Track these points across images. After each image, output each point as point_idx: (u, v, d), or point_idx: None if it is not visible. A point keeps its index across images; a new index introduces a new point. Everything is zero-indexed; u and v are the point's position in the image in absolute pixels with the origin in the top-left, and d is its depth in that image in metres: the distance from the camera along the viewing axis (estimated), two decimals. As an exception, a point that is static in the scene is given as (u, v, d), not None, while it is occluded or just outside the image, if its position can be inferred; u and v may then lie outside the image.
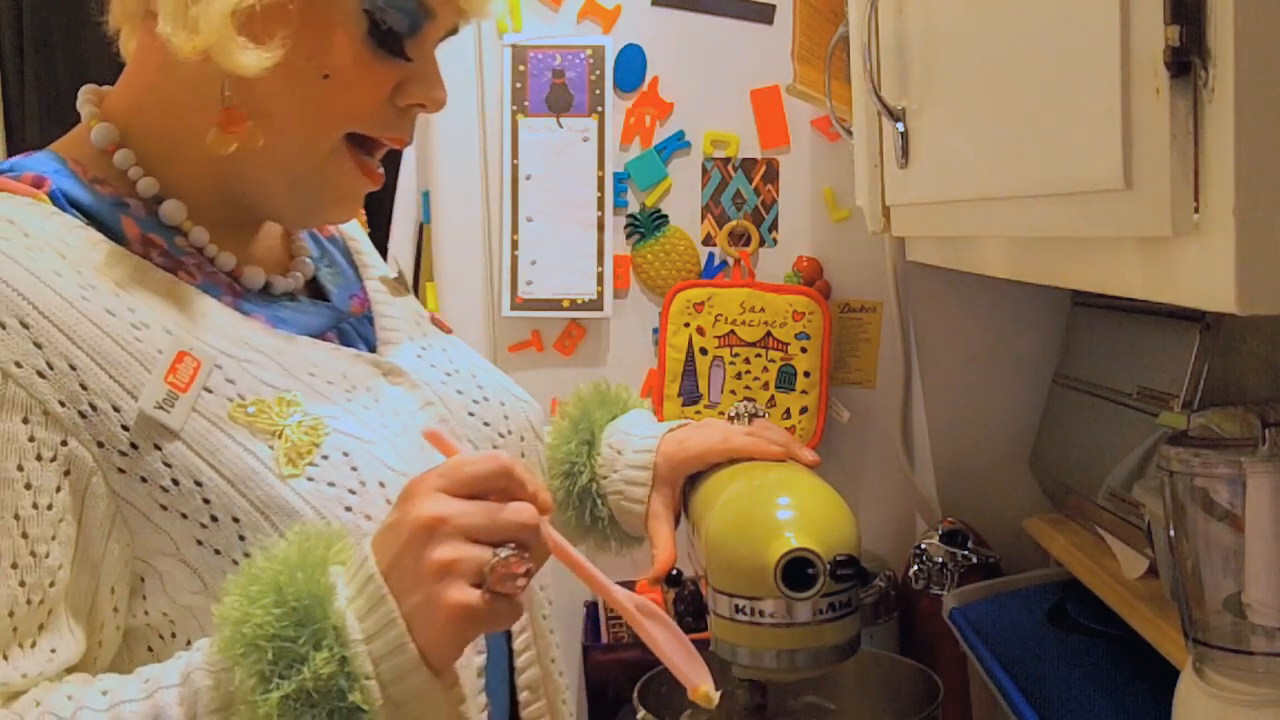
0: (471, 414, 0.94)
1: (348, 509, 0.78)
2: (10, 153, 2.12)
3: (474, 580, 0.69)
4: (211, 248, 0.85)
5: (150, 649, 0.78)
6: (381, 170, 0.88)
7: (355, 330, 0.92)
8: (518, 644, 0.93)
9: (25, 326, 0.71)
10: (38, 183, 0.79)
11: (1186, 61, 0.56)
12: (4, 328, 0.71)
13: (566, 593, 1.41)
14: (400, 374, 0.90)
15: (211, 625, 0.71)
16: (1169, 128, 0.57)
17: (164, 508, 0.74)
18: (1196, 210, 0.57)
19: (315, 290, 0.94)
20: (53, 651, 0.72)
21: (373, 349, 0.92)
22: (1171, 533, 0.84)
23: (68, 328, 0.73)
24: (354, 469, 0.79)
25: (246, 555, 0.74)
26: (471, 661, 0.85)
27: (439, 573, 0.68)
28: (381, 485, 0.80)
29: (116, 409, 0.73)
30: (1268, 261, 0.54)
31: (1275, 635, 0.77)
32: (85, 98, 0.86)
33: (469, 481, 0.71)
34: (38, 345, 0.72)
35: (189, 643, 0.75)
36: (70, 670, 0.74)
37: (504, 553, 0.69)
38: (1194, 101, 0.56)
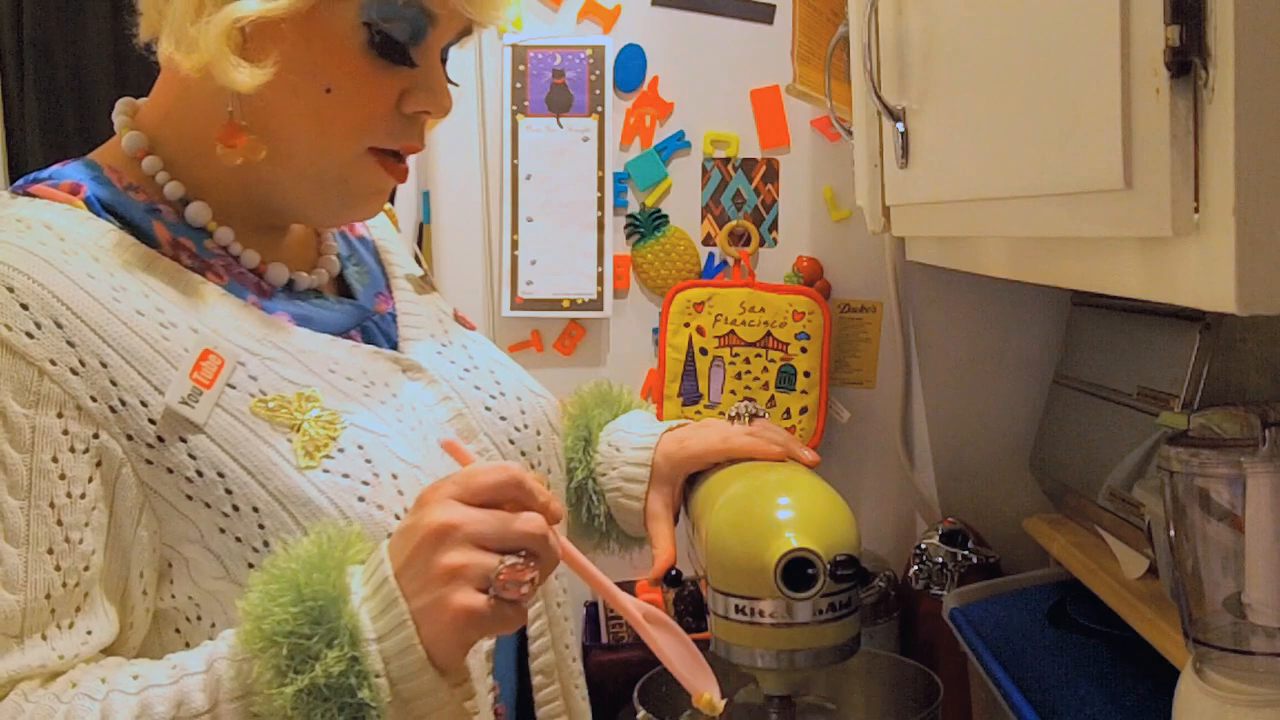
0: (488, 409, 0.96)
1: (360, 499, 0.80)
2: (10, 153, 2.13)
3: (480, 585, 0.71)
4: (236, 246, 0.88)
5: (178, 630, 0.81)
6: (406, 165, 0.89)
7: (379, 328, 0.95)
8: (532, 629, 0.96)
9: (59, 326, 0.75)
10: (75, 190, 0.83)
11: (1186, 61, 0.56)
12: (40, 328, 0.75)
13: (568, 594, 1.42)
14: (419, 370, 0.93)
15: (234, 609, 0.75)
16: (1169, 128, 0.58)
17: (189, 497, 0.78)
18: (1196, 210, 0.57)
19: (342, 288, 0.97)
20: (89, 633, 0.76)
21: (395, 346, 0.95)
22: (1171, 533, 0.84)
23: (99, 327, 0.76)
24: (368, 461, 0.82)
25: (266, 543, 0.78)
26: (480, 646, 0.87)
27: (447, 576, 0.71)
28: (394, 476, 0.82)
29: (144, 404, 0.77)
30: (1268, 261, 0.54)
31: (1275, 635, 0.77)
32: (120, 109, 0.89)
33: (481, 490, 0.74)
34: (71, 344, 0.75)
35: (213, 625, 0.80)
36: (104, 651, 0.77)
37: (511, 560, 0.72)
38: (1194, 101, 0.56)
